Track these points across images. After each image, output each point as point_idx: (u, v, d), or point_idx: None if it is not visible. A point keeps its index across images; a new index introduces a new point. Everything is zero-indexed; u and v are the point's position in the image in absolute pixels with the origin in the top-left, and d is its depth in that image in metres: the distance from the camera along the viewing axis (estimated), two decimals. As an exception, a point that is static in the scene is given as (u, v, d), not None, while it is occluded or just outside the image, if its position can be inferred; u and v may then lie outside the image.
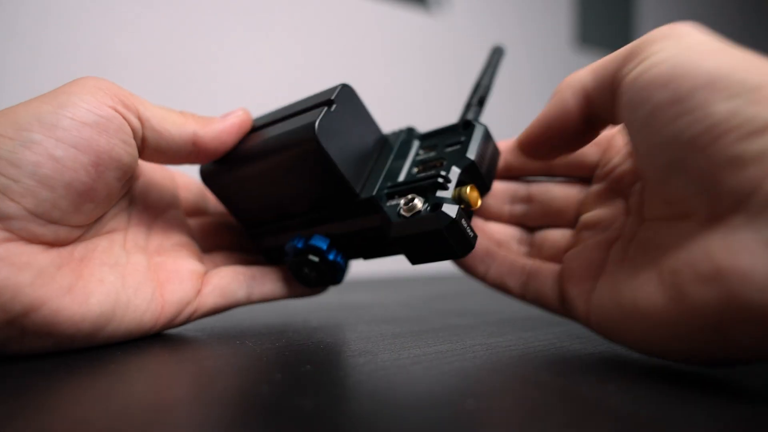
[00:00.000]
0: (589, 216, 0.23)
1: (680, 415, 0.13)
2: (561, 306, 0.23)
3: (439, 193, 0.22)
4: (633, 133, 0.18)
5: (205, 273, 0.26)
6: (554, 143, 0.22)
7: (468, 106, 0.28)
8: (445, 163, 0.24)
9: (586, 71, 0.20)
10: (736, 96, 0.14)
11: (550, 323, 0.29)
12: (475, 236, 0.23)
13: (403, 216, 0.22)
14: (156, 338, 0.24)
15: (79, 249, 0.22)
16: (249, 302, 0.27)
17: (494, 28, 1.14)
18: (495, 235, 0.26)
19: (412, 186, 0.23)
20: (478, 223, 0.27)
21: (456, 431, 0.12)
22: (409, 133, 0.27)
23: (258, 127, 0.26)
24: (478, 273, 0.25)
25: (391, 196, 0.23)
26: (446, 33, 1.08)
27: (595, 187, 0.23)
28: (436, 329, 0.27)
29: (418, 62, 1.04)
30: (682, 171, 0.16)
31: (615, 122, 0.20)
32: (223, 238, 0.30)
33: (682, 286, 0.15)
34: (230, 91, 0.83)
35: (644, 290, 0.17)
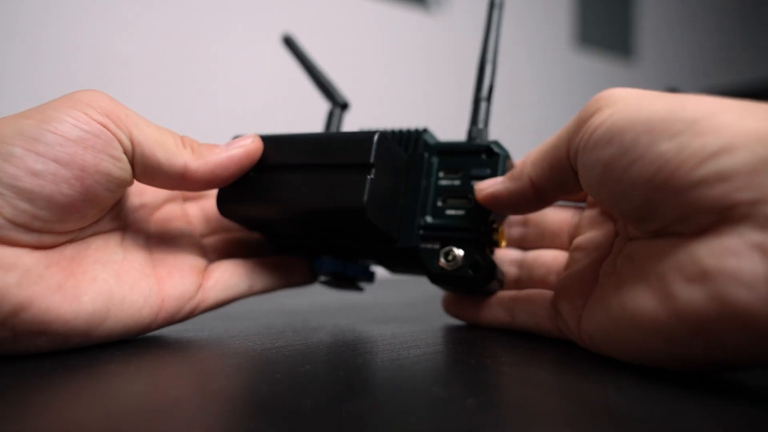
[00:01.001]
0: (581, 239, 0.24)
1: (680, 415, 0.13)
2: (555, 327, 0.23)
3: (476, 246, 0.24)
4: (595, 193, 0.19)
5: (206, 267, 0.26)
6: (515, 209, 0.24)
7: (477, 102, 0.27)
8: (470, 197, 0.25)
9: (529, 164, 0.22)
10: (679, 134, 0.16)
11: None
12: (504, 277, 0.26)
13: (442, 267, 0.24)
14: (155, 338, 0.24)
15: (70, 248, 0.22)
16: (251, 294, 0.27)
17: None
18: None
19: (449, 235, 0.25)
20: None
21: (456, 431, 0.12)
22: (426, 145, 0.26)
23: (280, 165, 0.25)
24: (470, 318, 0.27)
25: (424, 237, 0.25)
26: (446, 33, 1.08)
27: (588, 213, 0.25)
28: (435, 329, 0.27)
29: (418, 62, 1.04)
30: (654, 209, 0.16)
31: (567, 194, 0.22)
32: (223, 221, 0.30)
33: (670, 288, 0.16)
34: (230, 91, 0.83)
35: (632, 297, 0.17)
